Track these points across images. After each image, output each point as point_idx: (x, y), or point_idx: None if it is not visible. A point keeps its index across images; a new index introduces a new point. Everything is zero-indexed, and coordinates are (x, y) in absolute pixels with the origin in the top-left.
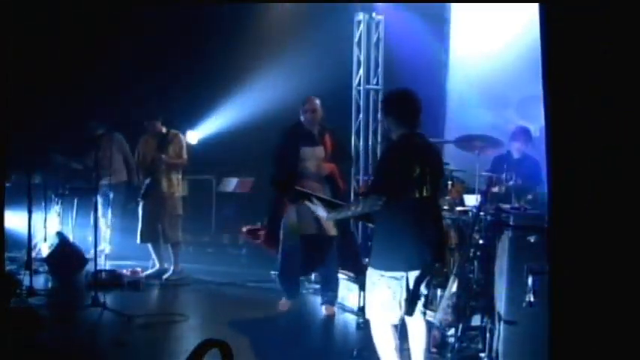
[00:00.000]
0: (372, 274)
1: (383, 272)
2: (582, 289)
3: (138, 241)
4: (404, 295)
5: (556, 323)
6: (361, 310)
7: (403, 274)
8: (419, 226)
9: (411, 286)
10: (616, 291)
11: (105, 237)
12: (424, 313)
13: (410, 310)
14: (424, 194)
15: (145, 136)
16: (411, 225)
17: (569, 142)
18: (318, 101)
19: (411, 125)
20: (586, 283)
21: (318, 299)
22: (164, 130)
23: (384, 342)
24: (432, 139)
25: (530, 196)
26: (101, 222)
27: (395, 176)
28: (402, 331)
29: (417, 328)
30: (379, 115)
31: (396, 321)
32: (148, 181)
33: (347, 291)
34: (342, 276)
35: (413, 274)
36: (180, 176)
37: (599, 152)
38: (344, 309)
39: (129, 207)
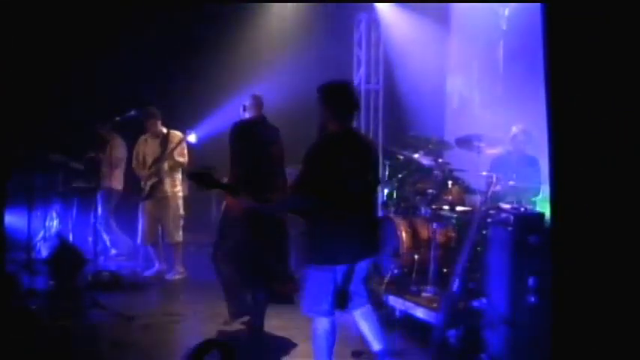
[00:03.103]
0: (308, 268)
1: (315, 265)
2: (585, 289)
3: (139, 241)
4: (335, 288)
5: (559, 323)
6: None
7: (333, 267)
8: (348, 221)
9: (343, 279)
10: (618, 290)
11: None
12: (363, 304)
13: (341, 304)
14: (355, 189)
15: (144, 136)
16: (339, 220)
17: (570, 141)
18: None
19: (346, 119)
20: (589, 282)
21: None
22: (164, 130)
23: (319, 338)
24: (431, 139)
25: (530, 196)
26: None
27: (323, 171)
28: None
29: (361, 316)
30: (380, 116)
31: (332, 315)
32: (150, 182)
33: None
34: None
35: (344, 268)
36: (181, 176)
37: (600, 152)
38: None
39: (130, 207)
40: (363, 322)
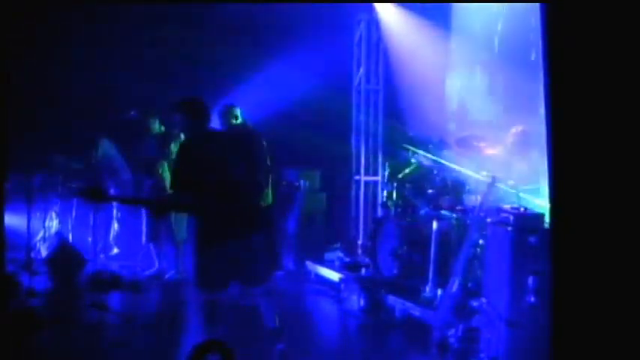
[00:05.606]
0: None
1: (195, 244)
2: (584, 289)
3: (143, 241)
4: (214, 265)
5: (558, 323)
6: (362, 311)
7: (209, 245)
8: (219, 206)
9: (220, 257)
10: (618, 290)
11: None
12: (259, 284)
13: (223, 282)
14: (224, 178)
15: (145, 136)
16: (211, 206)
17: (570, 141)
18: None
19: (203, 124)
20: (588, 282)
21: (319, 299)
22: (163, 129)
23: (199, 309)
24: (431, 139)
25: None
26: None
27: (188, 168)
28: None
29: (261, 294)
30: (380, 116)
31: (213, 289)
32: (151, 181)
33: (348, 291)
34: (341, 276)
35: (220, 248)
36: None
37: (600, 152)
38: (344, 309)
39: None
40: (262, 300)
